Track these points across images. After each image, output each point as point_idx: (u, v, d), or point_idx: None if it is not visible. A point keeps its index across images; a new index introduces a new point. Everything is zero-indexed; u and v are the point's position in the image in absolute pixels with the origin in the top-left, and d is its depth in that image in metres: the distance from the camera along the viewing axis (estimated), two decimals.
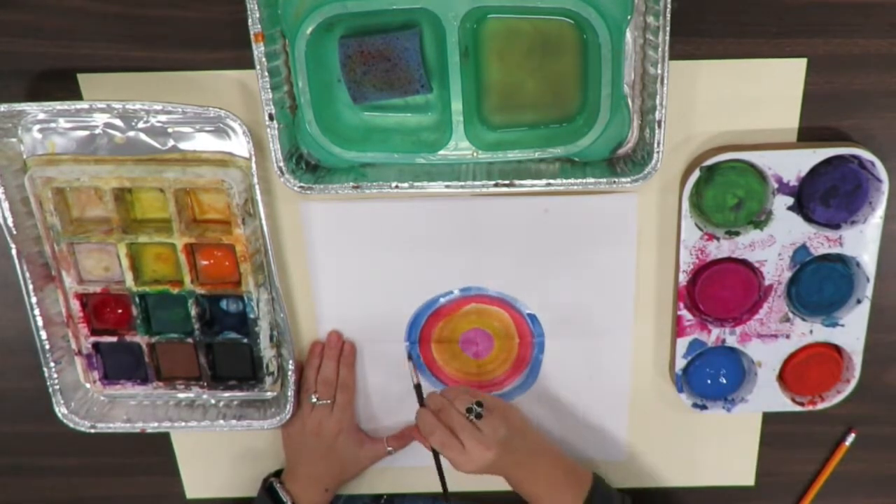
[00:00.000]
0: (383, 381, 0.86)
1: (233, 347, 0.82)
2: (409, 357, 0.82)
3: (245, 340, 0.80)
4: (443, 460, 0.76)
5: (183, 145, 0.74)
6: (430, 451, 0.77)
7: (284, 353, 0.81)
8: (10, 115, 0.71)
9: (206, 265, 0.78)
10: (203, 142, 0.73)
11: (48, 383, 0.79)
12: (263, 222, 0.74)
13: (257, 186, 0.72)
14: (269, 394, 0.83)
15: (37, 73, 0.73)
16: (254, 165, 0.71)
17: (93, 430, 0.82)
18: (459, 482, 0.91)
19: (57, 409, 0.80)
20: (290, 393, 0.80)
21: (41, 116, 0.72)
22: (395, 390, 0.86)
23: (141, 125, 0.73)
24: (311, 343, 0.84)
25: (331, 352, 0.83)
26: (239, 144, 0.73)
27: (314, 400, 0.81)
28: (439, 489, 0.93)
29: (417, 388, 0.79)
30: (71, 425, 0.81)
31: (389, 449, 0.86)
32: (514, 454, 0.74)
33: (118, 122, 0.73)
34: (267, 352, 0.81)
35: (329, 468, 0.83)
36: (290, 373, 0.80)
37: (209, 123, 0.72)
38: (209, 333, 0.80)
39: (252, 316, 0.78)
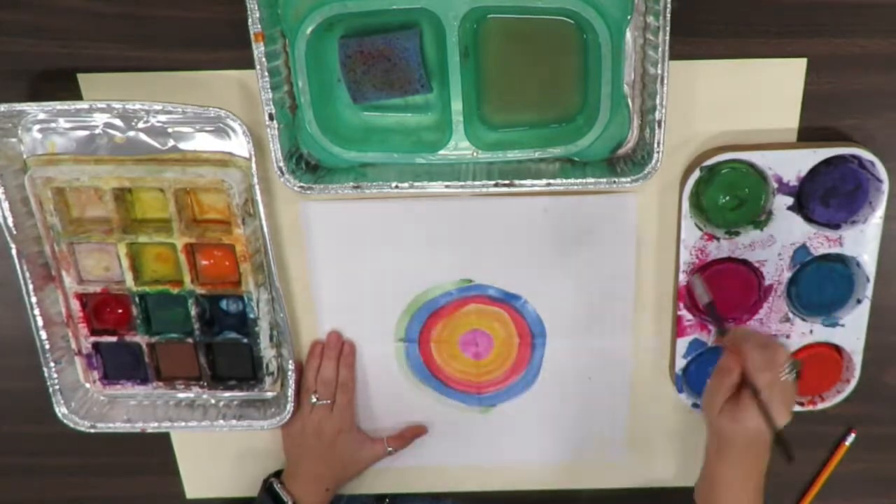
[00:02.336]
0: (383, 381, 0.86)
1: (233, 347, 0.82)
2: (692, 280, 0.74)
3: (245, 340, 0.80)
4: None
5: (183, 145, 0.74)
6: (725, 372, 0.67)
7: (284, 353, 0.81)
8: (10, 115, 0.71)
9: (206, 265, 0.78)
10: (203, 142, 0.73)
11: (48, 383, 0.79)
12: (263, 222, 0.74)
13: (257, 186, 0.72)
14: (269, 394, 0.83)
15: (37, 73, 0.73)
16: (254, 165, 0.71)
17: (93, 430, 0.81)
18: (458, 483, 0.91)
19: (57, 409, 0.80)
20: (290, 393, 0.80)
21: (41, 116, 0.72)
22: (395, 390, 0.86)
23: (141, 125, 0.73)
24: (310, 343, 0.84)
25: (330, 352, 0.83)
26: (239, 144, 0.73)
27: (314, 400, 0.81)
28: (439, 489, 0.93)
29: (711, 305, 0.70)
30: (71, 425, 0.81)
31: (390, 449, 0.86)
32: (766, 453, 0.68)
33: (118, 122, 0.73)
34: (267, 352, 0.81)
35: (329, 468, 0.83)
36: (290, 373, 0.80)
37: (209, 123, 0.72)
38: (209, 333, 0.80)
39: (252, 316, 0.78)
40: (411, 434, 0.87)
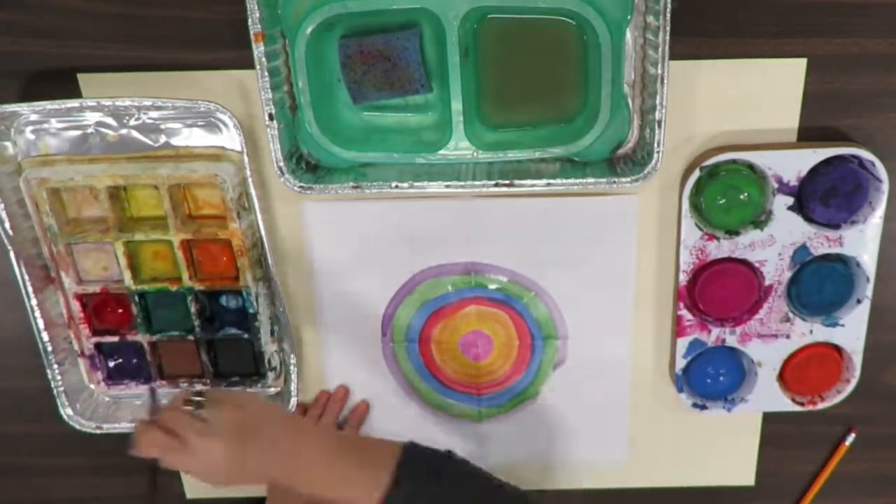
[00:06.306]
0: (380, 380, 0.86)
1: (234, 343, 0.82)
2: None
3: (246, 336, 0.80)
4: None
5: (175, 141, 0.74)
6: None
7: (286, 347, 0.81)
8: (3, 118, 0.71)
9: (203, 261, 0.78)
10: (195, 137, 0.73)
11: (52, 385, 0.79)
12: (259, 216, 0.74)
13: (250, 179, 0.72)
14: (272, 389, 0.83)
15: (37, 74, 0.73)
16: (246, 158, 0.71)
17: (98, 431, 0.82)
18: None
19: (62, 411, 0.80)
20: (293, 388, 0.80)
21: (34, 118, 0.72)
22: (392, 390, 0.86)
23: (133, 122, 0.73)
24: (317, 392, 0.84)
25: (335, 405, 0.83)
26: (231, 138, 0.73)
27: None
28: None
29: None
30: (77, 427, 0.81)
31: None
32: (263, 442, 0.61)
33: (110, 121, 0.73)
34: (268, 347, 0.81)
35: None
36: (292, 367, 0.80)
37: (200, 118, 0.72)
38: (210, 330, 0.80)
39: (251, 311, 0.78)
40: (356, 419, 0.85)
